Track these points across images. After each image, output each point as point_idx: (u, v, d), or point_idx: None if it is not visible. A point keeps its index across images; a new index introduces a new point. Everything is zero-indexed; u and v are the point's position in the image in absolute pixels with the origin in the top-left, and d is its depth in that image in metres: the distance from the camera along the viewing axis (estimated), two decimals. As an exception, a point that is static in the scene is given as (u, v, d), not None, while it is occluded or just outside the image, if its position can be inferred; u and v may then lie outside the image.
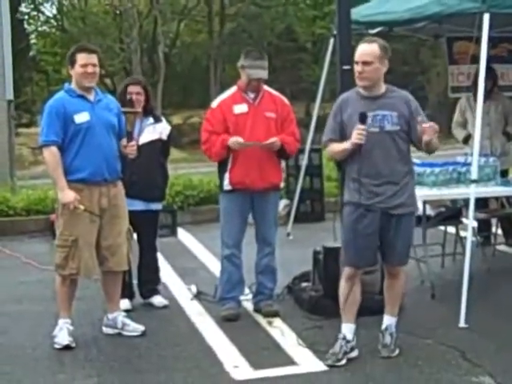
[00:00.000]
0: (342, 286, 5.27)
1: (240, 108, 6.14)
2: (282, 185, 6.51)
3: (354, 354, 5.24)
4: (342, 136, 5.19)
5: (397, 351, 5.27)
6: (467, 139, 8.20)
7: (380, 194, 5.12)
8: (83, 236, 5.55)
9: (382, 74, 5.14)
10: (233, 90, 6.27)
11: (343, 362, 5.14)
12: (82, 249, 5.55)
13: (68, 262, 5.55)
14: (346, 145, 5.10)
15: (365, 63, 5.04)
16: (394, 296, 5.38)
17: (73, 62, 5.59)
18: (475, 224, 6.91)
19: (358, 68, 5.07)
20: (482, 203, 7.98)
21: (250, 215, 6.30)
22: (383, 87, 5.19)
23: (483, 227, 8.30)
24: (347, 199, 5.26)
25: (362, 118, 5.00)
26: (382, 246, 5.26)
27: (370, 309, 5.72)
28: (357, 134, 4.99)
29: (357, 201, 5.15)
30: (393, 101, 5.14)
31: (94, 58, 5.59)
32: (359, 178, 5.12)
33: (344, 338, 5.22)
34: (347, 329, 5.25)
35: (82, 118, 5.52)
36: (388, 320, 5.38)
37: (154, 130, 6.54)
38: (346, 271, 5.28)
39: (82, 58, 5.56)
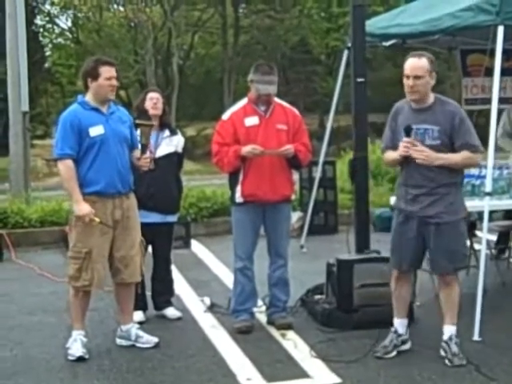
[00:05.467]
0: (391, 285, 5.60)
1: (251, 120, 6.14)
2: (293, 197, 6.50)
3: (406, 346, 5.53)
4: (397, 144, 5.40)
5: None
6: None
7: (418, 203, 5.29)
8: (96, 248, 5.56)
9: (430, 87, 5.29)
10: (243, 102, 6.27)
11: (393, 354, 5.43)
12: (95, 261, 5.56)
13: (81, 274, 5.56)
14: (394, 155, 5.36)
15: (416, 77, 5.19)
16: (449, 305, 5.42)
17: (96, 75, 5.55)
18: (490, 237, 6.87)
19: (409, 82, 5.22)
20: (507, 215, 7.96)
21: (261, 227, 6.31)
22: (431, 98, 5.32)
23: (502, 240, 8.26)
24: (394, 204, 5.57)
25: (407, 131, 5.21)
26: (428, 254, 5.42)
27: (385, 320, 5.69)
28: (403, 147, 5.21)
29: (400, 207, 5.42)
30: (438, 115, 5.26)
31: (115, 71, 5.65)
32: (403, 185, 5.38)
33: (395, 332, 5.49)
34: (398, 323, 5.52)
35: (96, 131, 5.53)
36: (449, 330, 5.41)
37: (171, 143, 6.56)
38: (393, 273, 5.57)
39: (106, 70, 5.56)
